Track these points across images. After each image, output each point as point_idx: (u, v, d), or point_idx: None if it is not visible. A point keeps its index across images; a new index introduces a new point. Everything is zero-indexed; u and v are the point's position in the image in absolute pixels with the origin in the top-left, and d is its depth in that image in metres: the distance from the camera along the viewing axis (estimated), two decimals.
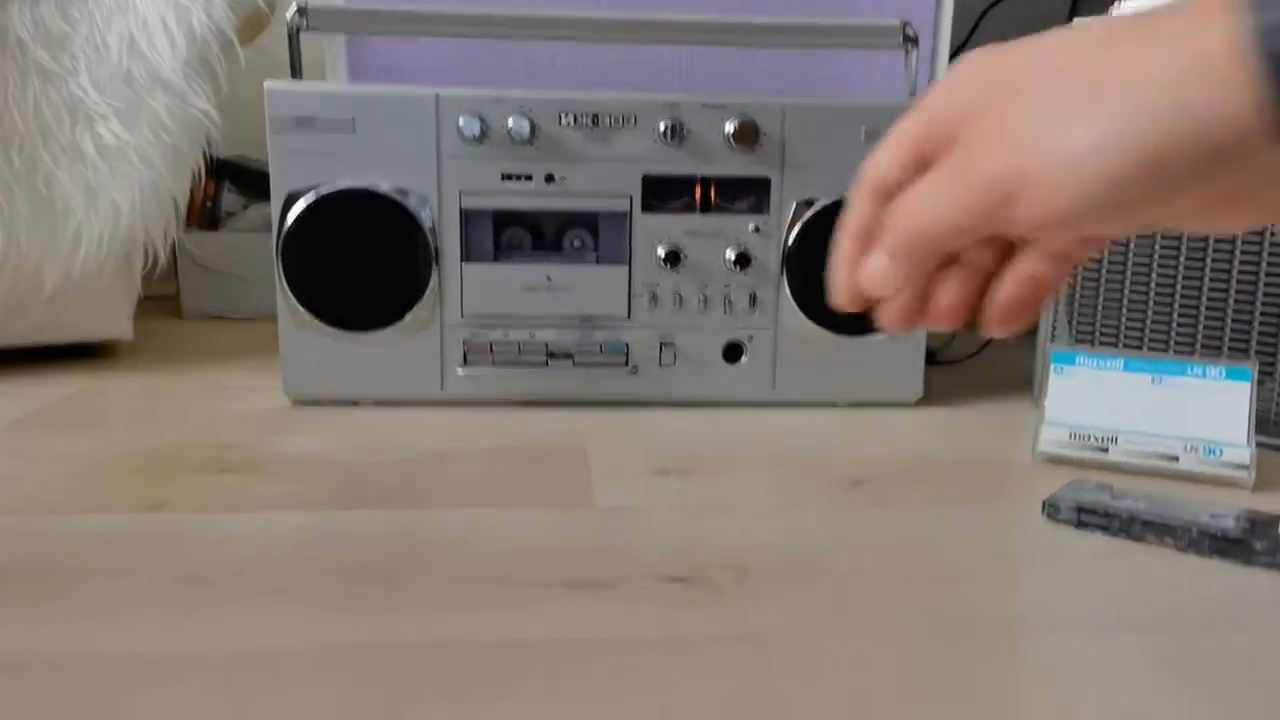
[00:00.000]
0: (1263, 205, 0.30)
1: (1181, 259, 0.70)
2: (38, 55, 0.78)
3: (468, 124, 0.70)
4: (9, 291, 0.79)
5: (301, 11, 0.73)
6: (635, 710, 0.35)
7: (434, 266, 0.73)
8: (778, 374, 0.77)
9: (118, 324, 0.90)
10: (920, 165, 0.33)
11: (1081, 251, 0.35)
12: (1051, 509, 0.53)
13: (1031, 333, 0.81)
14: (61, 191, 0.79)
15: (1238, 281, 0.68)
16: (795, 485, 0.60)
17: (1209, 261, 0.69)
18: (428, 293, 0.73)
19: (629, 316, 0.75)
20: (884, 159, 0.34)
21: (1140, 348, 0.72)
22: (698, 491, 0.59)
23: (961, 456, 0.66)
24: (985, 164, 0.30)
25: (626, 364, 0.76)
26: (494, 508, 0.55)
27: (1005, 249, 0.35)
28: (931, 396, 0.79)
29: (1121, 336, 0.73)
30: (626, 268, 0.75)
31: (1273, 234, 0.67)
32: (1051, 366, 0.65)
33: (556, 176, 0.73)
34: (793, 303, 0.75)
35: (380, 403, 0.75)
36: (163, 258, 0.86)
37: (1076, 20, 0.73)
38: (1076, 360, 0.64)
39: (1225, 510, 0.52)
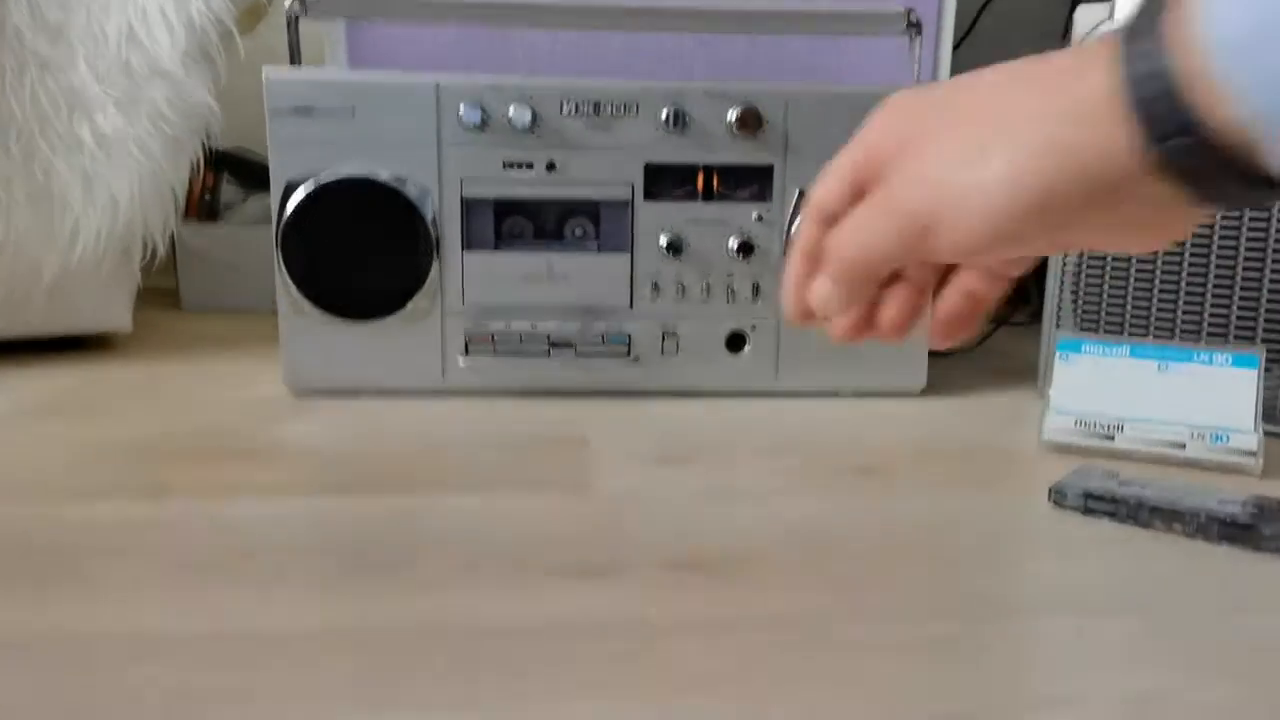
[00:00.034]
0: (1160, 229, 0.33)
1: (1187, 245, 0.69)
2: (35, 44, 0.78)
3: (468, 112, 0.70)
4: (7, 282, 0.79)
5: None
6: (641, 695, 0.35)
7: (435, 255, 0.72)
8: (781, 363, 0.77)
9: (117, 316, 0.89)
10: (856, 194, 0.36)
11: (1013, 269, 0.38)
12: (1058, 495, 0.53)
13: (1035, 323, 0.81)
14: (59, 182, 0.78)
15: (1244, 267, 0.67)
16: (800, 472, 0.60)
17: (1215, 247, 0.68)
18: (428, 282, 0.72)
19: (631, 306, 0.75)
20: (826, 187, 0.37)
21: (1146, 335, 0.72)
22: (701, 479, 0.58)
23: (966, 445, 0.66)
24: (905, 199, 0.34)
25: (628, 354, 0.75)
26: (496, 495, 0.55)
27: (944, 267, 0.38)
28: (935, 386, 0.79)
29: (1127, 324, 0.72)
30: (628, 257, 0.74)
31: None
32: (1057, 354, 0.65)
33: (558, 165, 0.72)
34: None
35: (381, 393, 0.75)
36: (162, 249, 0.85)
37: (1077, 12, 0.73)
38: (1082, 348, 0.64)
39: (1233, 496, 0.51)
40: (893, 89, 0.75)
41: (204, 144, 0.86)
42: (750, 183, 0.73)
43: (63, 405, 0.72)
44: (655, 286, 0.75)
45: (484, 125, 0.71)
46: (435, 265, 0.72)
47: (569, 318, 0.75)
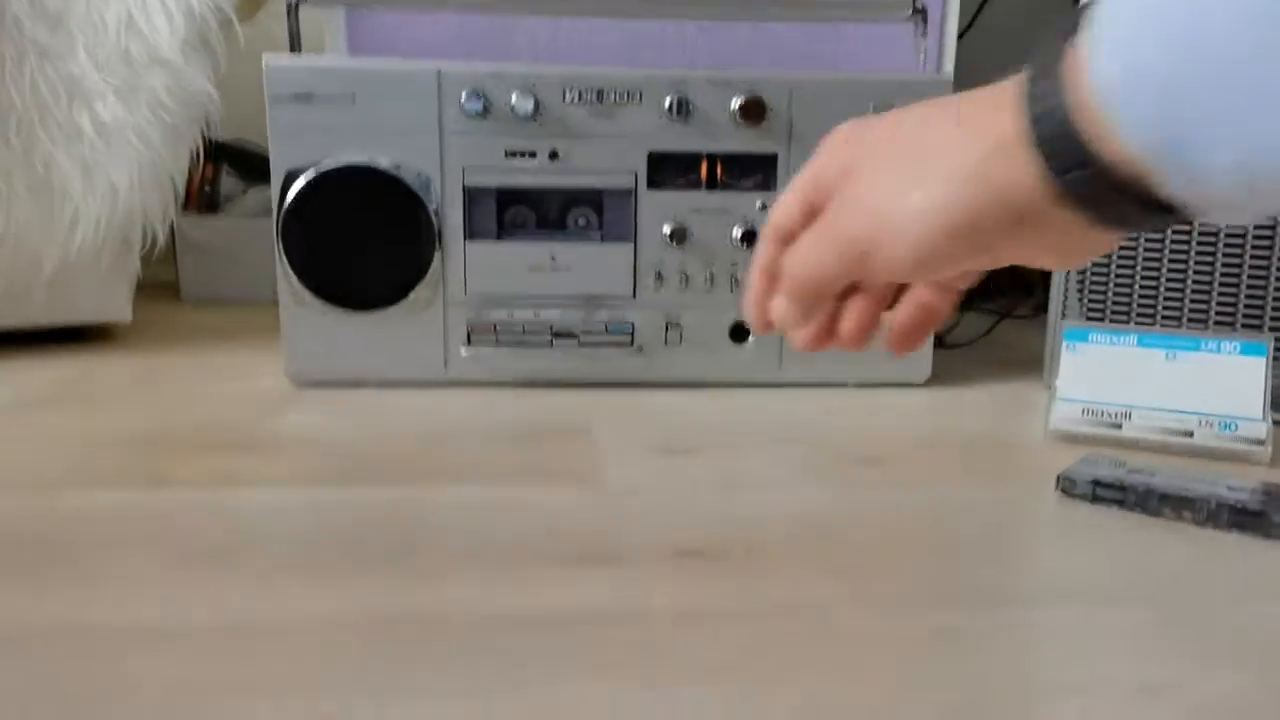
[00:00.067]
0: (1079, 249, 0.36)
1: (1194, 233, 0.69)
2: (35, 32, 0.77)
3: (470, 100, 0.69)
4: (7, 272, 0.78)
5: None
6: (645, 682, 0.34)
7: (437, 245, 0.72)
8: (784, 354, 0.76)
9: (116, 307, 0.89)
10: (809, 215, 0.39)
11: (961, 283, 0.42)
12: (1066, 483, 0.53)
13: (1038, 315, 0.81)
14: (59, 172, 0.78)
15: (1252, 255, 0.67)
16: (805, 462, 0.59)
17: (1223, 235, 0.68)
18: (430, 271, 0.72)
19: (634, 295, 0.74)
20: (782, 209, 0.40)
21: (1153, 324, 0.71)
22: (706, 469, 0.58)
23: (972, 435, 0.66)
24: (845, 226, 0.37)
25: (632, 344, 0.75)
26: (500, 485, 0.54)
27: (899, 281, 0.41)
28: (939, 378, 0.78)
29: (1133, 313, 0.72)
30: (632, 246, 0.74)
31: None
32: (1064, 343, 0.64)
33: (560, 153, 0.72)
34: None
35: (383, 384, 0.74)
36: (161, 239, 0.85)
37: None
38: (1089, 337, 0.64)
39: (1243, 483, 0.51)
40: (897, 76, 0.74)
41: (203, 134, 0.86)
42: (754, 171, 0.73)
43: (63, 396, 0.72)
44: (659, 276, 0.74)
45: (486, 113, 0.70)
46: (437, 255, 0.72)
47: (572, 308, 0.74)
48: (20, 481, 0.53)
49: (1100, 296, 0.73)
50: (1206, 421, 0.59)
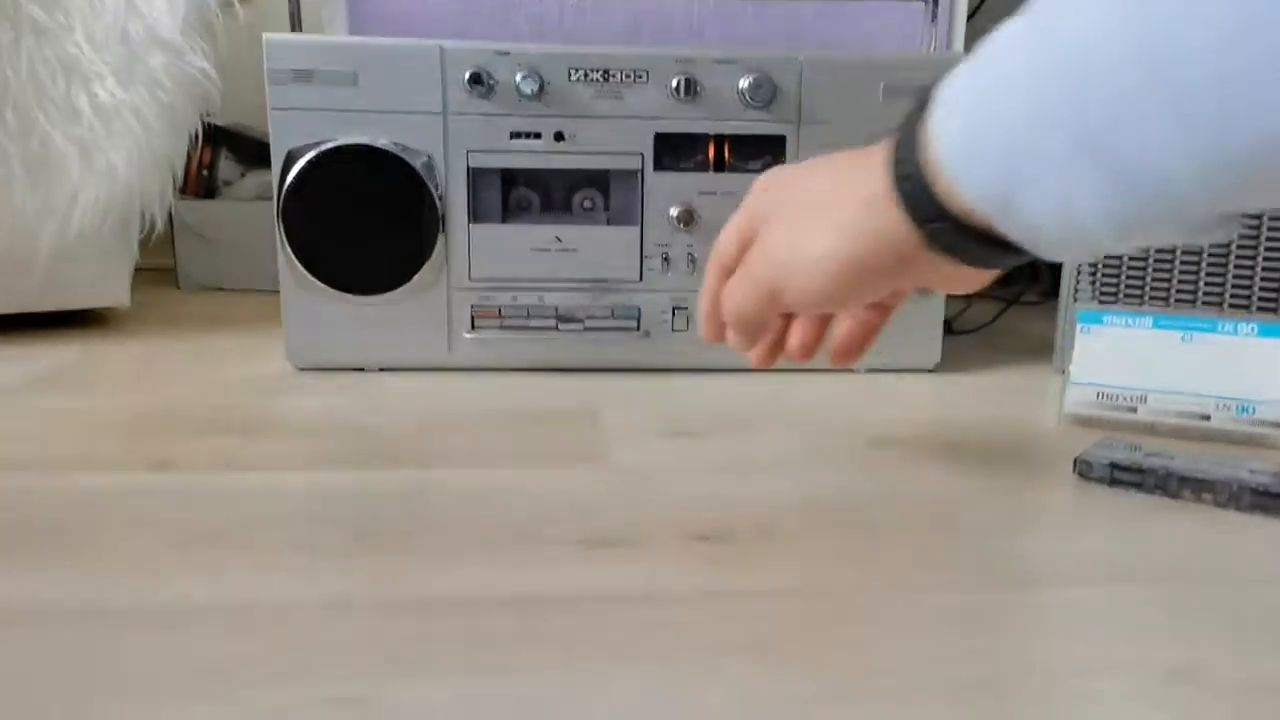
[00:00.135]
0: (965, 279, 0.42)
1: None
2: (31, 11, 0.76)
3: (474, 79, 0.68)
4: (6, 254, 0.77)
5: None
6: (662, 663, 0.33)
7: (440, 227, 0.71)
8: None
9: (115, 291, 0.88)
10: (743, 250, 0.45)
11: (893, 301, 0.49)
12: (1084, 466, 0.52)
13: (1047, 300, 0.80)
14: (57, 151, 0.76)
15: (1268, 236, 0.66)
16: (816, 446, 0.58)
17: (1237, 215, 0.67)
18: (434, 254, 0.71)
19: (641, 279, 0.73)
20: (723, 242, 0.46)
21: (1167, 306, 0.70)
22: (716, 452, 0.57)
23: (984, 419, 0.65)
24: (758, 271, 0.43)
25: (638, 328, 0.74)
26: (507, 467, 0.53)
27: None
28: (948, 364, 0.77)
29: (1146, 295, 0.71)
30: (638, 228, 0.72)
31: None
32: (1078, 326, 0.63)
33: (566, 134, 0.71)
34: None
35: (385, 368, 0.73)
36: (160, 222, 0.84)
37: None
38: (1104, 320, 0.63)
39: (1266, 466, 0.50)
40: (907, 56, 0.73)
41: (202, 118, 0.84)
42: (763, 153, 0.72)
43: (63, 378, 0.71)
44: (665, 259, 0.73)
45: (490, 93, 0.69)
46: (441, 237, 0.71)
47: (577, 291, 0.73)
48: (20, 463, 0.52)
49: (1113, 279, 0.72)
50: (1224, 404, 0.58)
